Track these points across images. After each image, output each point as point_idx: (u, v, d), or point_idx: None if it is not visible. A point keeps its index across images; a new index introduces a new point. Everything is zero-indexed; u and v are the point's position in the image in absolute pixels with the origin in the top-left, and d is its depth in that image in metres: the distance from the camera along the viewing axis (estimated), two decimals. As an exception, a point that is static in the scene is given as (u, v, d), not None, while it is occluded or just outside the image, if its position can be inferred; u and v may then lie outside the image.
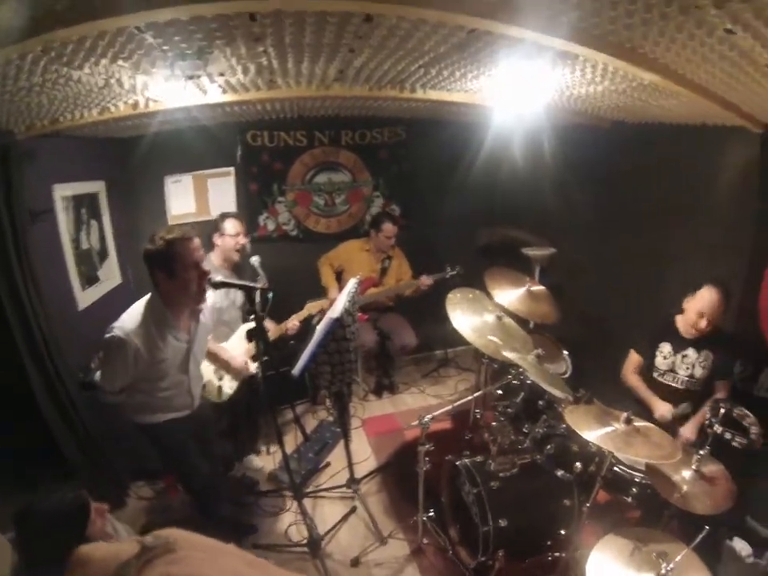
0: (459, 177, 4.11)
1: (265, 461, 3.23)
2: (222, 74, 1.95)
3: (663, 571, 1.52)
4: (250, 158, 3.75)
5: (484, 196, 4.26)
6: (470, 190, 4.17)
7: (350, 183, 4.08)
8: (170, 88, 2.01)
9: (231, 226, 2.98)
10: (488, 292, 2.91)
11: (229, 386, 2.80)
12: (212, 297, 2.27)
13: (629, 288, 3.39)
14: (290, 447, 3.21)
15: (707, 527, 1.54)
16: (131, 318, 1.95)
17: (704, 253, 2.78)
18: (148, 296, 2.02)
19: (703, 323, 2.43)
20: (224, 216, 3.04)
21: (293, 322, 3.08)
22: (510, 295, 2.93)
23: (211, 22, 1.32)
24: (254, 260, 2.97)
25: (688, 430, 2.44)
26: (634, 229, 3.32)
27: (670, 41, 1.41)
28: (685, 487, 1.90)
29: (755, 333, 2.52)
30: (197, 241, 1.98)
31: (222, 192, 3.74)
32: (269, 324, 3.11)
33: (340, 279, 3.78)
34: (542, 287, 3.09)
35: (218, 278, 2.07)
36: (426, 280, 3.72)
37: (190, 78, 1.84)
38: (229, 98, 2.34)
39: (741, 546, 2.21)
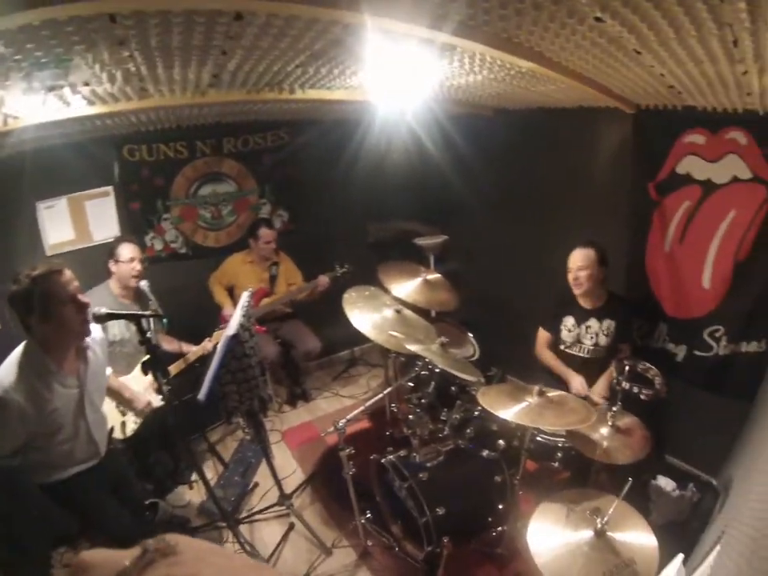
0: (346, 175, 4.06)
1: (192, 494, 3.00)
2: (86, 84, 1.76)
3: (599, 526, 1.60)
4: (128, 174, 3.43)
5: (372, 192, 4.23)
6: (358, 187, 4.13)
7: (235, 193, 3.88)
8: (30, 102, 1.80)
9: (126, 251, 2.74)
10: (384, 287, 2.89)
11: (133, 420, 2.60)
12: (100, 330, 2.07)
13: (526, 266, 3.59)
14: (215, 475, 3.06)
15: (630, 479, 1.65)
16: (7, 372, 1.72)
17: (591, 225, 2.99)
18: (23, 344, 1.79)
19: (582, 273, 2.59)
20: (118, 241, 2.80)
21: (212, 343, 2.92)
22: (406, 287, 2.92)
23: (66, 25, 1.17)
24: (143, 284, 2.75)
25: (599, 389, 2.60)
26: (525, 210, 3.52)
27: (543, 30, 1.45)
28: (605, 443, 2.04)
29: (646, 292, 2.78)
30: (68, 273, 1.78)
31: (102, 214, 3.39)
32: (187, 347, 2.93)
33: (232, 295, 3.62)
34: (438, 275, 3.12)
35: (103, 310, 1.86)
36: (324, 280, 3.66)
37: (51, 89, 1.65)
38: (97, 109, 2.14)
39: (665, 483, 2.45)
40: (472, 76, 2.22)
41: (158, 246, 3.67)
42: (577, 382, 2.65)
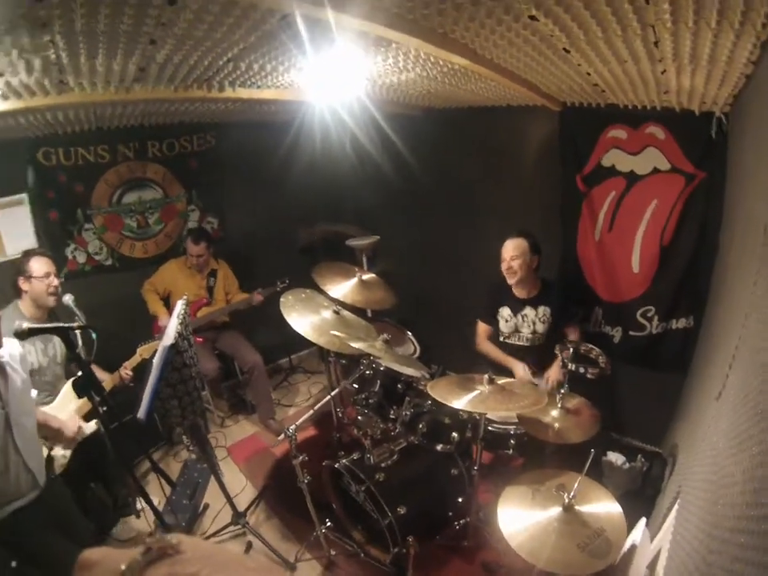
0: (275, 179, 4.01)
1: (138, 524, 2.76)
2: (0, 74, 1.59)
3: (566, 501, 1.65)
4: (44, 180, 3.15)
5: (303, 195, 4.20)
6: (288, 190, 4.09)
7: (161, 199, 3.70)
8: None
9: (39, 266, 2.48)
10: (320, 288, 2.86)
11: (62, 454, 2.35)
12: (17, 346, 1.86)
13: (461, 262, 3.67)
14: (160, 500, 2.81)
15: (593, 450, 1.73)
16: None
17: (522, 219, 3.09)
18: None
19: (515, 262, 2.67)
20: (28, 255, 2.52)
21: (125, 371, 2.70)
22: (342, 288, 2.90)
23: None
24: (67, 299, 2.52)
25: (554, 373, 2.64)
26: (457, 207, 3.60)
27: (479, 26, 1.48)
28: (556, 425, 2.12)
29: (580, 280, 2.93)
30: None
31: (16, 225, 3.09)
32: (100, 373, 2.67)
33: (168, 304, 3.47)
34: (372, 275, 3.12)
35: (24, 324, 1.69)
36: (257, 296, 3.60)
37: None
38: (11, 105, 1.94)
39: (615, 458, 2.57)
40: (405, 74, 2.24)
41: (81, 258, 3.41)
42: (519, 368, 2.70)
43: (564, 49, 1.67)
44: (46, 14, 1.17)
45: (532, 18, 1.38)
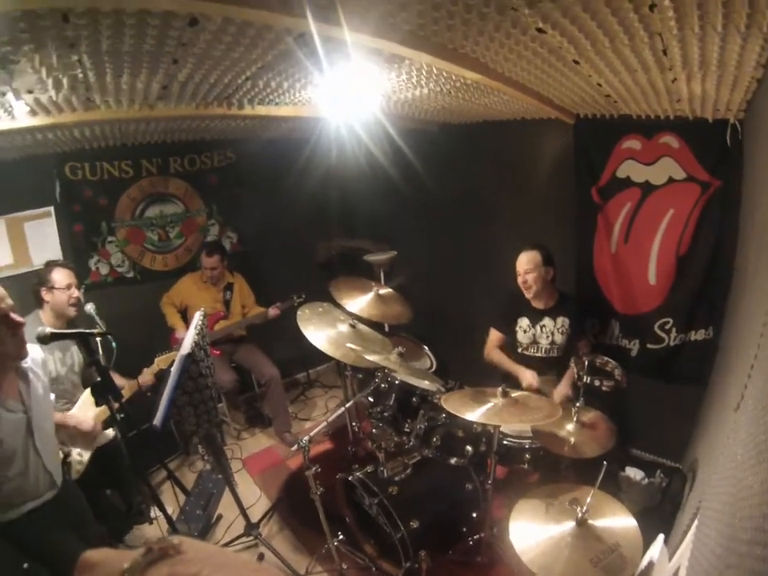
0: (294, 194, 4.06)
1: (150, 531, 2.75)
2: (30, 91, 1.65)
3: (579, 515, 1.61)
4: (70, 194, 3.29)
5: (321, 210, 4.28)
6: (308, 205, 4.15)
7: (182, 214, 3.81)
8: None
9: (61, 276, 2.55)
10: (337, 302, 2.88)
11: (78, 460, 2.40)
12: (39, 351, 1.89)
13: (477, 276, 3.67)
14: (174, 508, 2.80)
15: (605, 462, 1.70)
16: None
17: (538, 232, 3.09)
18: None
19: (529, 276, 2.66)
20: (50, 265, 2.59)
21: (146, 377, 2.77)
22: (360, 302, 2.91)
23: (19, 20, 1.09)
24: (89, 308, 2.60)
25: (562, 389, 2.62)
26: (473, 221, 3.61)
27: (489, 40, 1.51)
28: (572, 439, 2.08)
29: (597, 292, 2.90)
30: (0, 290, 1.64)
31: (42, 236, 3.22)
32: (119, 380, 2.74)
33: (186, 317, 3.53)
34: (389, 289, 3.15)
35: (47, 329, 1.73)
36: (274, 310, 3.65)
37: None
38: (39, 121, 2.02)
39: (634, 473, 2.53)
40: (419, 89, 2.27)
41: (104, 270, 3.52)
42: (528, 374, 2.67)
43: (574, 60, 1.68)
44: (73, 34, 1.23)
45: (540, 30, 1.39)
